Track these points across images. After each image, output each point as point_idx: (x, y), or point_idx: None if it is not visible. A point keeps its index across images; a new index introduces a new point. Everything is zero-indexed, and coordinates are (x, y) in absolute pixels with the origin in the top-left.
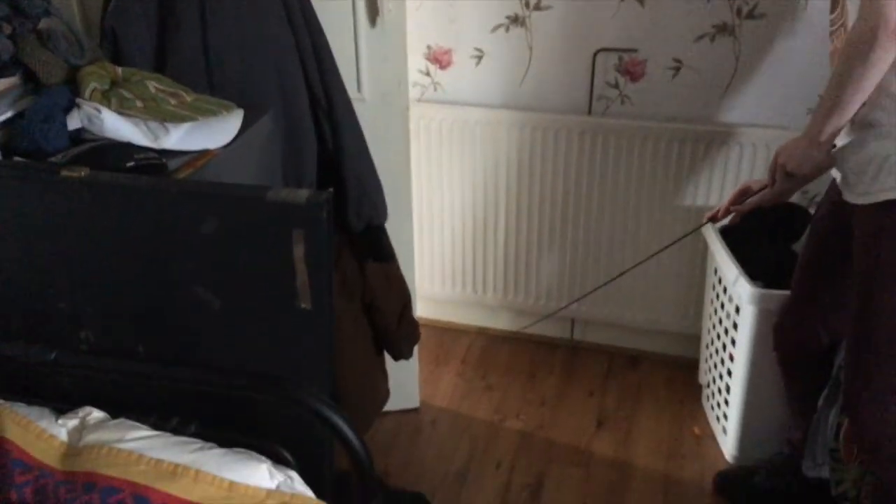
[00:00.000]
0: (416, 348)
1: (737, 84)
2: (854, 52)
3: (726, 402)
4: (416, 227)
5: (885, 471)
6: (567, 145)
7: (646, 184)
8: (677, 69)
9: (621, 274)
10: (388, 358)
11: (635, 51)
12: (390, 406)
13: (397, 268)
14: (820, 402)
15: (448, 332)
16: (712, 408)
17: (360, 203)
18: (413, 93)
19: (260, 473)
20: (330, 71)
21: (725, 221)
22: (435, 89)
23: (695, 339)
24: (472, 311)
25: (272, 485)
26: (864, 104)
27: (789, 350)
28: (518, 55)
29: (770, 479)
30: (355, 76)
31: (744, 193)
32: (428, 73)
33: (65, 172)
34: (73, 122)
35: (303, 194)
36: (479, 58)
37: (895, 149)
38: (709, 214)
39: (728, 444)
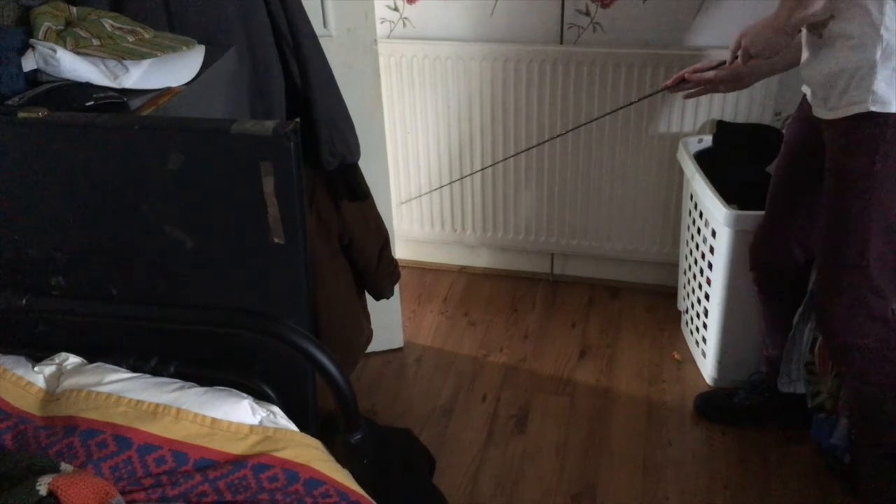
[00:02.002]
0: (397, 289)
1: (708, 6)
2: None
3: (705, 326)
4: (391, 167)
5: (857, 381)
6: (540, 76)
7: (619, 111)
8: None
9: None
10: (370, 300)
11: None
12: (374, 347)
13: (373, 206)
14: (795, 319)
15: (429, 272)
16: (691, 333)
17: (331, 140)
18: (382, 29)
19: (242, 410)
20: (294, 5)
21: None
22: (404, 25)
23: (673, 268)
24: (451, 251)
25: (255, 420)
26: (832, 17)
27: (765, 270)
28: None
29: (748, 397)
30: (320, 11)
31: (700, 69)
32: (396, 9)
33: (23, 114)
34: (29, 63)
35: (269, 125)
36: None
37: (865, 61)
38: (664, 84)
39: (707, 367)
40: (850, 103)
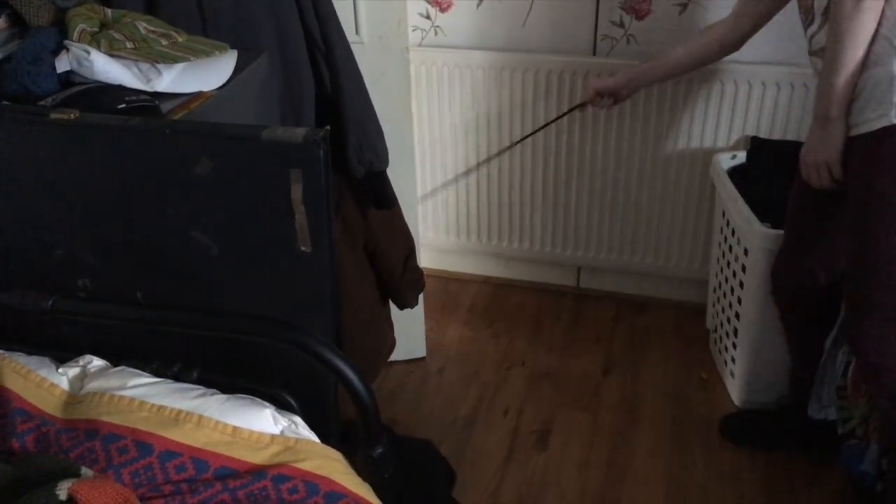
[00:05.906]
0: (421, 297)
1: None
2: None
3: (734, 346)
4: (418, 176)
5: (887, 403)
6: (571, 88)
7: (651, 125)
8: (684, 6)
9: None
10: (393, 308)
11: None
12: (397, 356)
13: (400, 214)
14: (827, 345)
15: (453, 282)
16: (720, 352)
17: (360, 147)
18: (413, 37)
19: (263, 419)
20: (327, 12)
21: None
22: (435, 33)
23: (702, 284)
24: (477, 261)
25: (276, 430)
26: None
27: (788, 293)
28: None
29: (776, 421)
30: (353, 18)
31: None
32: (428, 17)
33: (55, 115)
34: (62, 64)
35: (299, 132)
36: None
37: (883, 74)
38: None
39: (735, 388)
40: (868, 120)
